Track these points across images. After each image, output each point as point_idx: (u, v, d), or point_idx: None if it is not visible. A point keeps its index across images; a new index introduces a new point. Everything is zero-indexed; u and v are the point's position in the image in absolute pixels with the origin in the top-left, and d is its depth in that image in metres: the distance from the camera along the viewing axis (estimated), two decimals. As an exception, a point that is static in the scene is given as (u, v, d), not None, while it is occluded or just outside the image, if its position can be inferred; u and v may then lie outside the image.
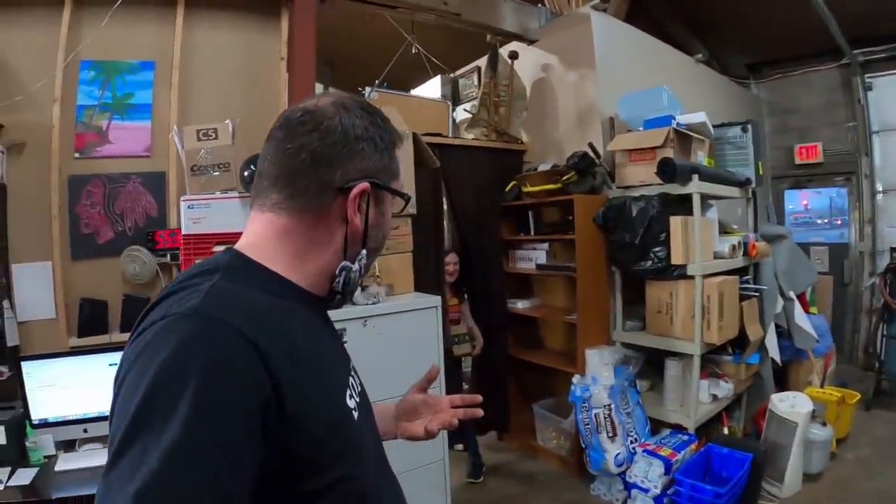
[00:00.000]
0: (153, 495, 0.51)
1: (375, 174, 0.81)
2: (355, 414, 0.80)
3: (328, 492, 0.70)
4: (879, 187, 5.47)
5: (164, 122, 2.62)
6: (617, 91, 3.71)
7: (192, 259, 1.96)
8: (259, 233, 0.80)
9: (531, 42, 4.01)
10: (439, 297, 2.49)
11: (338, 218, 0.79)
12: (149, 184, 2.61)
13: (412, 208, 2.48)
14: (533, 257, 3.96)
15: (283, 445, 0.63)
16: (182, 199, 2.03)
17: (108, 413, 1.68)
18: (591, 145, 3.55)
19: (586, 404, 3.21)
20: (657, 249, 3.23)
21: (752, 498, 2.91)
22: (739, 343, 3.45)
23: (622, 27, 3.98)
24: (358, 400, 0.85)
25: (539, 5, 4.01)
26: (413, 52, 3.70)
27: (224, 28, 2.80)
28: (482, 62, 4.21)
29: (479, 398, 1.12)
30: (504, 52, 3.92)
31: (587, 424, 3.19)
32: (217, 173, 2.07)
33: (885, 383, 4.49)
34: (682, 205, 3.22)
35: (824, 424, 3.29)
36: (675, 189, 3.20)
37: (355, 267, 0.82)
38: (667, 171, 3.12)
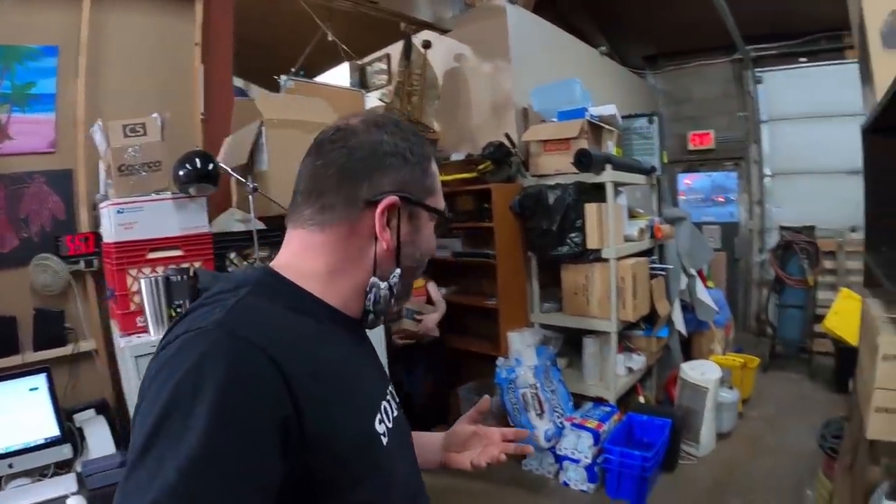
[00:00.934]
0: None
1: (406, 189, 0.81)
2: (384, 439, 0.80)
3: None
4: (767, 171, 6.11)
5: (70, 114, 2.47)
6: (530, 82, 3.91)
7: (125, 269, 1.88)
8: (292, 250, 0.82)
9: (444, 32, 4.11)
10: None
11: (369, 234, 0.80)
12: (54, 183, 2.46)
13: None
14: (448, 245, 4.08)
15: (303, 465, 0.63)
16: (108, 203, 1.92)
17: (35, 443, 1.79)
18: (507, 135, 3.73)
19: (513, 385, 3.41)
20: (573, 235, 3.46)
21: (674, 459, 3.27)
22: (649, 318, 3.80)
23: (534, 20, 4.17)
24: (390, 426, 0.84)
25: None
26: (329, 39, 3.68)
27: (134, 10, 2.67)
28: (391, 49, 4.29)
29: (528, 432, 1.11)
30: (416, 40, 3.99)
31: (515, 404, 3.40)
32: (146, 173, 2.00)
33: (779, 347, 5.14)
34: (596, 192, 3.47)
35: (731, 388, 3.73)
36: (589, 178, 3.43)
37: (384, 285, 0.81)
38: (584, 161, 3.35)
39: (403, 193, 0.80)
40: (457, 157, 3.94)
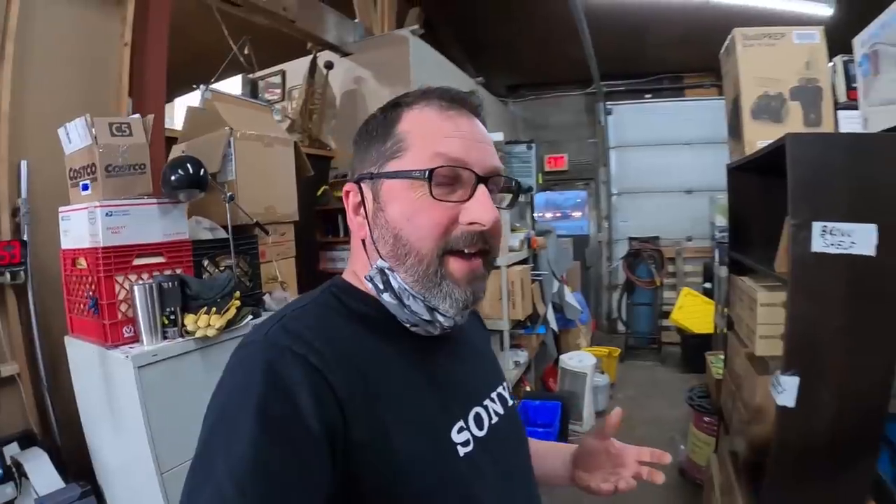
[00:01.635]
0: None
1: (364, 168, 0.77)
2: (464, 448, 0.74)
3: None
4: (614, 190, 7.13)
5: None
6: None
7: (112, 276, 1.83)
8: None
9: (345, 54, 4.29)
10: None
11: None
12: (-31, 184, 2.24)
13: (294, 215, 2.65)
14: (345, 258, 4.21)
15: (352, 473, 0.63)
16: (93, 204, 1.85)
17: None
18: (410, 156, 4.05)
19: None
20: (468, 245, 3.89)
21: (564, 436, 3.80)
22: (529, 318, 4.36)
23: (430, 50, 4.55)
24: (481, 434, 0.79)
25: (356, 20, 4.33)
26: (245, 52, 3.69)
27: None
28: (286, 66, 4.39)
29: (669, 457, 0.95)
30: (318, 60, 4.10)
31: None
32: (131, 176, 1.95)
33: (632, 340, 6.11)
34: (489, 207, 3.94)
35: (602, 373, 4.40)
36: (485, 195, 3.89)
37: (369, 274, 0.76)
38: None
39: (358, 174, 0.78)
40: (353, 175, 4.13)
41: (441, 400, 0.77)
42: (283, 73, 4.45)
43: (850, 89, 2.04)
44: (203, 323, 1.91)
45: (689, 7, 4.98)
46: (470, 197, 0.72)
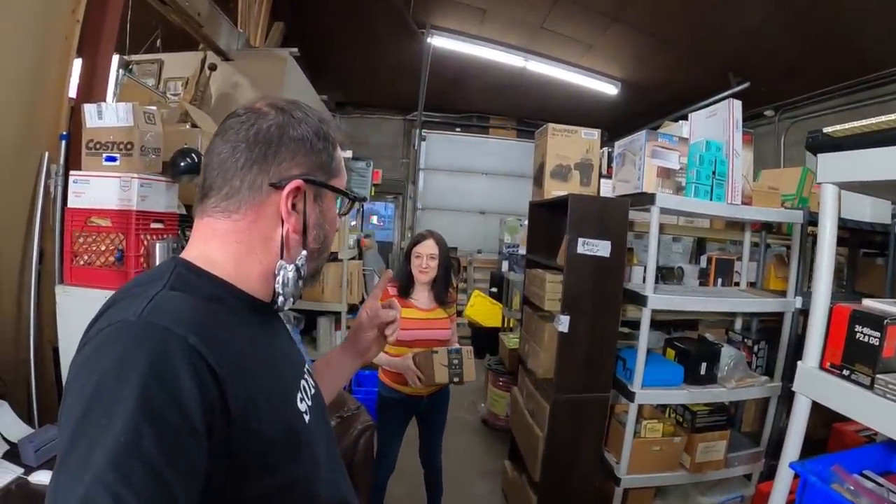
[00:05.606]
0: (98, 501, 0.52)
1: (312, 172, 0.83)
2: (307, 417, 0.84)
3: (278, 495, 0.74)
4: (419, 206, 8.48)
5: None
6: (292, 121, 4.97)
7: (139, 233, 2.31)
8: (201, 238, 0.82)
9: (227, 59, 4.71)
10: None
11: (275, 218, 0.81)
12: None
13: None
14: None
15: (229, 450, 0.66)
16: (132, 175, 2.32)
17: None
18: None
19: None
20: (316, 242, 4.75)
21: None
22: (356, 306, 5.33)
23: (299, 72, 5.25)
24: (310, 403, 0.88)
25: (241, 30, 4.83)
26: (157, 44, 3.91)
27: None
28: (165, 56, 4.71)
29: (390, 272, 1.40)
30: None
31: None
32: (152, 157, 2.44)
33: None
34: (335, 211, 4.85)
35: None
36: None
37: (290, 267, 0.82)
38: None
39: (309, 176, 0.83)
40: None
41: (285, 372, 0.87)
42: (160, 63, 4.70)
43: (609, 167, 3.23)
44: (197, 277, 2.55)
45: (510, 68, 6.50)
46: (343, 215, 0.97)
